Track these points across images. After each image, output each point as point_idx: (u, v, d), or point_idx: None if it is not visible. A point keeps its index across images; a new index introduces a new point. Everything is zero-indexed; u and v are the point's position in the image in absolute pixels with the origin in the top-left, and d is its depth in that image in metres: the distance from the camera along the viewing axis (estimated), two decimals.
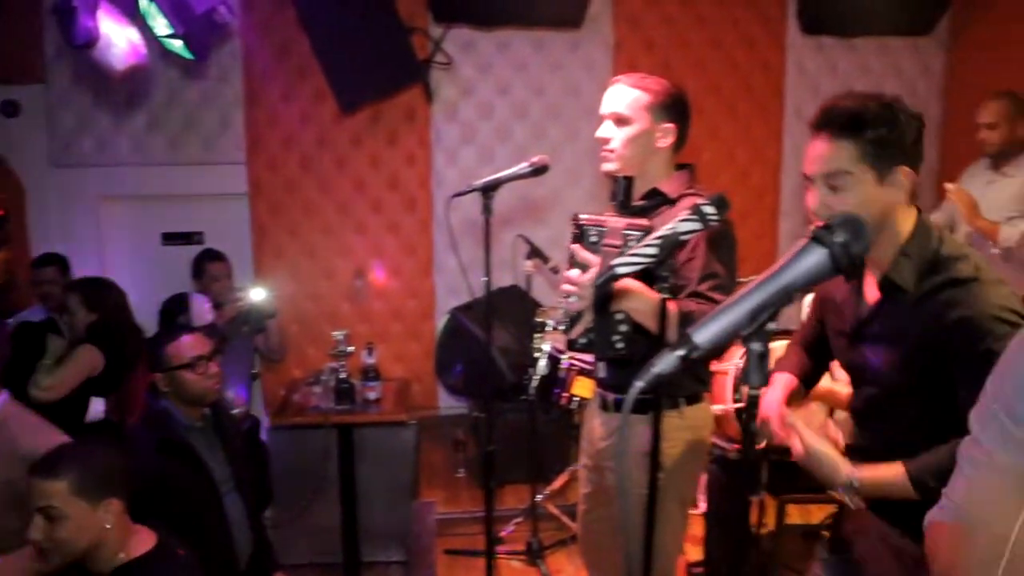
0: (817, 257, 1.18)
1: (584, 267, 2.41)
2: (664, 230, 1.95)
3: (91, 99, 5.65)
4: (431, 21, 5.55)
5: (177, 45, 4.01)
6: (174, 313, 4.71)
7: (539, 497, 4.59)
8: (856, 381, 2.20)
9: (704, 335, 1.18)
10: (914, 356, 1.96)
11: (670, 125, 2.66)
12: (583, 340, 2.49)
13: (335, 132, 5.66)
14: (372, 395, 4.77)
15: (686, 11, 5.89)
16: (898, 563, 2.08)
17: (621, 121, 2.66)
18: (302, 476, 4.57)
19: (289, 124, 5.66)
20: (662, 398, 2.45)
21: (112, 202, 5.83)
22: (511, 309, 4.98)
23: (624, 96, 2.67)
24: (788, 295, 1.17)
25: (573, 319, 2.47)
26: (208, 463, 3.19)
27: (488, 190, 2.95)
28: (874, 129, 1.91)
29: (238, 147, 5.68)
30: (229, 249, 5.28)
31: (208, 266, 4.90)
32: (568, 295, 2.45)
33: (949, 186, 4.53)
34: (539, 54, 5.83)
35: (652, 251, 1.92)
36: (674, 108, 2.68)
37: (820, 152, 1.97)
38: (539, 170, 2.95)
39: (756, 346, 1.18)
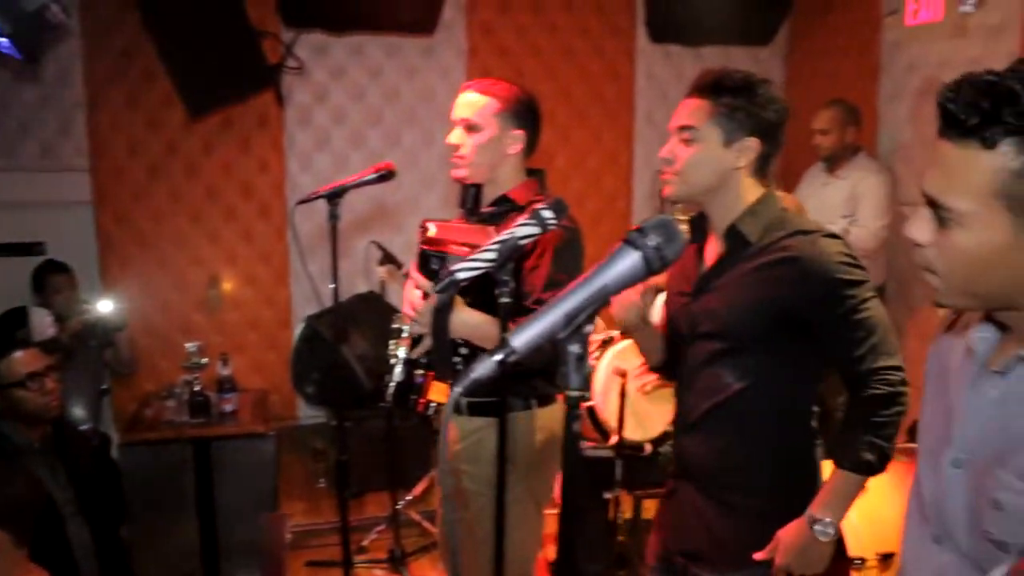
0: (631, 260, 1.22)
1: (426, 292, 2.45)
2: (503, 235, 1.97)
3: None
4: (282, 25, 5.46)
5: (3, 44, 3.84)
6: (12, 328, 4.49)
7: (400, 504, 4.59)
8: (691, 338, 2.24)
9: (521, 339, 1.21)
10: (760, 301, 2.06)
11: (519, 131, 2.68)
12: (424, 360, 2.53)
13: (185, 138, 5.50)
14: (228, 407, 4.67)
15: (538, 19, 5.98)
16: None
17: (471, 128, 2.66)
18: (157, 493, 4.44)
19: (135, 130, 5.46)
20: (507, 399, 2.49)
21: None
22: (368, 316, 4.96)
23: (474, 103, 2.67)
24: (604, 297, 1.21)
25: (415, 339, 2.52)
26: (48, 485, 3.07)
27: (333, 197, 2.95)
28: (731, 95, 2.07)
29: (80, 153, 5.43)
30: (73, 260, 5.07)
31: (49, 278, 4.70)
32: (411, 320, 2.50)
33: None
34: (393, 59, 5.82)
35: (491, 256, 1.95)
36: (523, 114, 2.69)
37: (682, 108, 2.13)
38: (385, 176, 2.96)
39: (574, 348, 1.22)
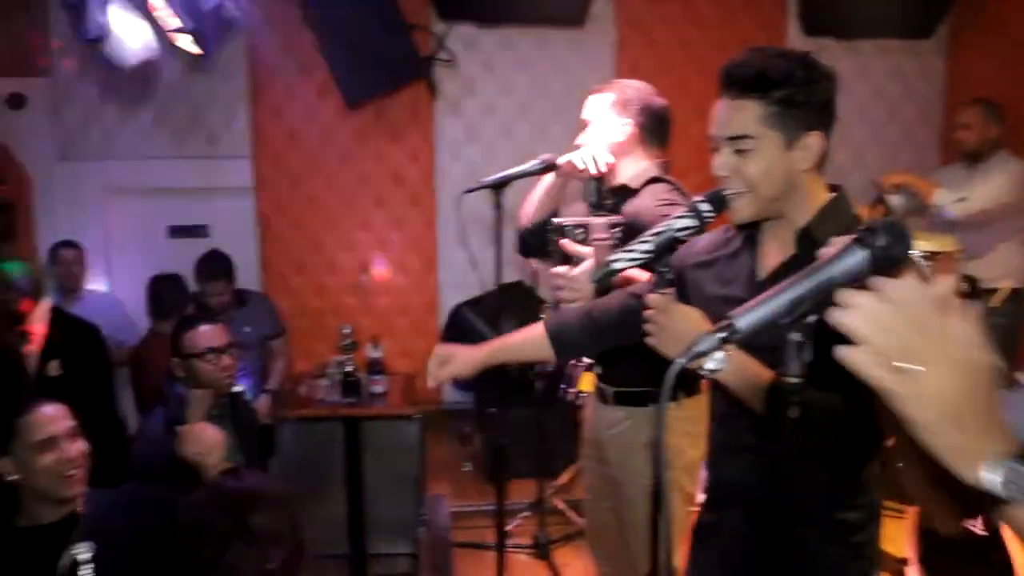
0: (858, 257, 1.22)
1: (574, 262, 2.52)
2: (660, 227, 1.96)
3: (97, 92, 5.67)
4: (434, 18, 5.59)
5: (186, 40, 4.06)
6: (162, 294, 4.74)
7: (547, 492, 4.64)
8: (748, 349, 1.90)
9: (746, 320, 1.23)
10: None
11: (627, 121, 2.82)
12: None
13: (339, 128, 5.70)
14: (378, 389, 4.81)
15: (687, 11, 5.94)
16: None
17: (589, 123, 2.87)
18: (308, 468, 4.61)
19: (294, 119, 5.70)
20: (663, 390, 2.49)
21: (119, 195, 5.85)
22: (516, 305, 5.03)
23: (591, 100, 2.90)
24: (829, 289, 1.21)
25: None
26: None
27: (499, 186, 3.01)
28: (781, 88, 1.80)
29: (243, 142, 5.71)
30: (234, 242, 5.34)
31: (209, 274, 4.91)
32: (560, 288, 2.54)
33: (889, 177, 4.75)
34: (542, 52, 5.87)
35: (647, 247, 1.95)
36: (632, 106, 2.83)
37: (724, 113, 1.87)
38: (549, 167, 3.01)
39: (795, 336, 1.24)
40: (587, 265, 2.47)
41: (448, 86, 5.75)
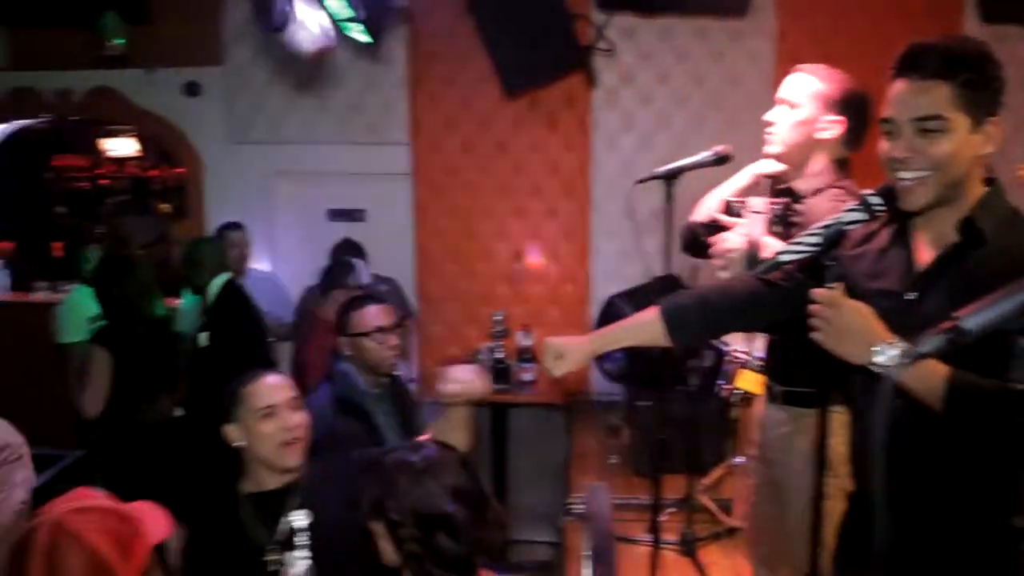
0: None
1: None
2: (829, 220, 1.94)
3: (266, 79, 5.91)
4: (594, 8, 5.56)
5: (356, 28, 4.16)
6: (335, 273, 4.90)
7: (696, 490, 4.57)
8: None
9: (974, 321, 1.18)
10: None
11: (838, 118, 2.68)
12: None
13: (496, 116, 5.74)
14: (527, 376, 4.87)
15: (852, 1, 5.73)
16: None
17: (789, 105, 2.72)
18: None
19: (451, 107, 5.78)
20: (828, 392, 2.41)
21: (284, 178, 6.09)
22: None
23: (796, 81, 2.74)
24: None
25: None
26: (382, 429, 3.32)
27: (671, 177, 2.97)
28: (968, 71, 1.79)
29: (401, 128, 5.83)
30: (391, 226, 5.50)
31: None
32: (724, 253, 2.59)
33: None
34: (701, 43, 5.76)
35: (815, 240, 1.92)
36: (846, 103, 2.69)
37: (908, 95, 1.84)
38: (722, 159, 2.97)
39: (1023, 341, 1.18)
40: (741, 233, 2.44)
41: (605, 76, 5.71)
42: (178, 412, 4.47)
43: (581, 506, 3.56)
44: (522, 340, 4.90)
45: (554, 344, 2.43)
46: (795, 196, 2.72)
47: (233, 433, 2.52)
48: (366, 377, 3.33)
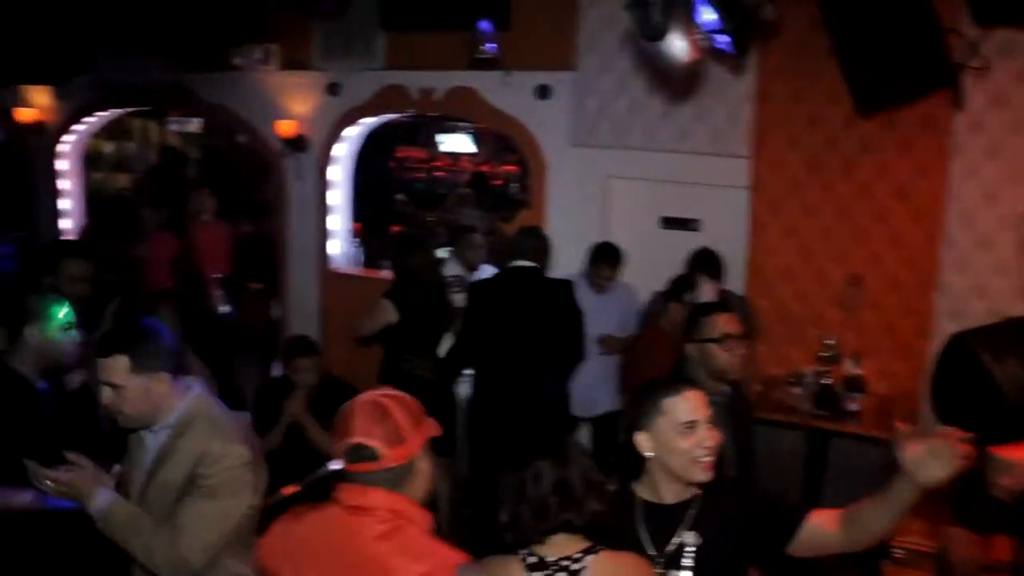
0: None
1: None
2: None
3: (613, 86, 6.08)
4: (967, 21, 5.15)
5: (724, 40, 4.15)
6: (677, 285, 4.92)
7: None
8: None
9: None
10: None
11: None
12: None
13: (844, 135, 5.52)
14: (853, 406, 4.64)
15: None
16: None
17: None
18: (768, 473, 4.57)
19: (797, 123, 5.64)
20: None
21: (620, 182, 6.23)
22: None
23: None
24: None
25: None
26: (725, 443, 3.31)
27: None
28: None
29: (743, 141, 5.78)
30: (724, 239, 5.43)
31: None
32: None
33: None
34: None
35: None
36: None
37: None
38: None
39: None
40: None
41: (973, 97, 5.28)
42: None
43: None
44: (850, 368, 4.66)
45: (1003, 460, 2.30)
46: None
47: (645, 443, 2.49)
48: (709, 383, 3.31)
